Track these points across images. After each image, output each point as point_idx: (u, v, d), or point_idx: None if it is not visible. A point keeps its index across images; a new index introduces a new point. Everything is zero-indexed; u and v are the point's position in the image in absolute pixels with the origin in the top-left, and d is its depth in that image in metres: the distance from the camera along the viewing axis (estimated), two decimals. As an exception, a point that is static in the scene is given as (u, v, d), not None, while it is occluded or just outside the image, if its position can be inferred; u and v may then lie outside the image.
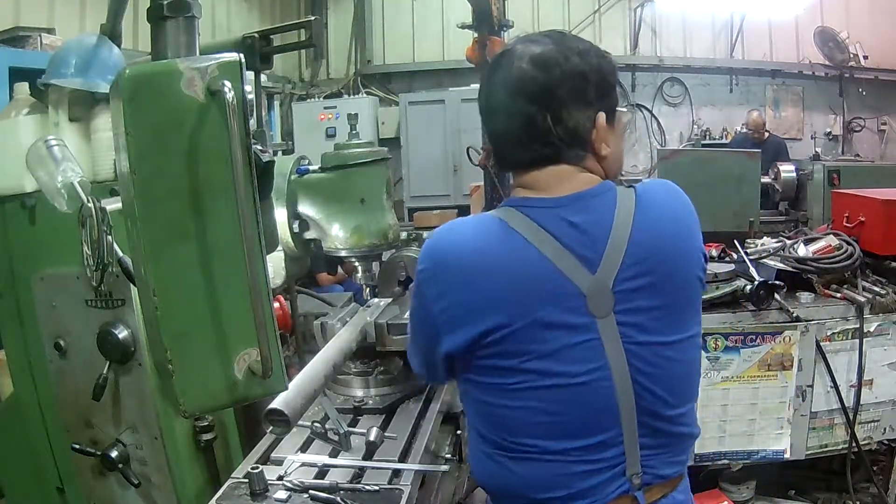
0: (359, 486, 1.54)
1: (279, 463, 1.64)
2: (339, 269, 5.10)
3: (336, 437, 1.71)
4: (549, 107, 1.21)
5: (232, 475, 1.60)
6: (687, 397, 1.31)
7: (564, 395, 1.20)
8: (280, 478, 1.56)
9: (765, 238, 3.57)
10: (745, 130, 7.21)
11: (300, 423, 1.57)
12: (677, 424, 1.29)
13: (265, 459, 1.69)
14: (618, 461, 1.24)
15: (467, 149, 4.16)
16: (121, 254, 1.50)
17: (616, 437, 1.23)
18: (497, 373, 1.21)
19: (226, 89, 1.08)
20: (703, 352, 2.82)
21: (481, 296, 1.19)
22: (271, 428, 1.42)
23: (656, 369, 1.23)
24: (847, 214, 3.24)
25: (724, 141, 8.32)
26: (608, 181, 1.27)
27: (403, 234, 2.33)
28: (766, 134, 6.82)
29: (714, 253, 3.29)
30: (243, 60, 1.13)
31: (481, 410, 1.27)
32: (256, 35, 1.71)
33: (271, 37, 1.75)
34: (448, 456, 1.89)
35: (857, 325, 2.89)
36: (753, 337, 2.84)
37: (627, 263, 1.19)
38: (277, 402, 1.38)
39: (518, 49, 1.25)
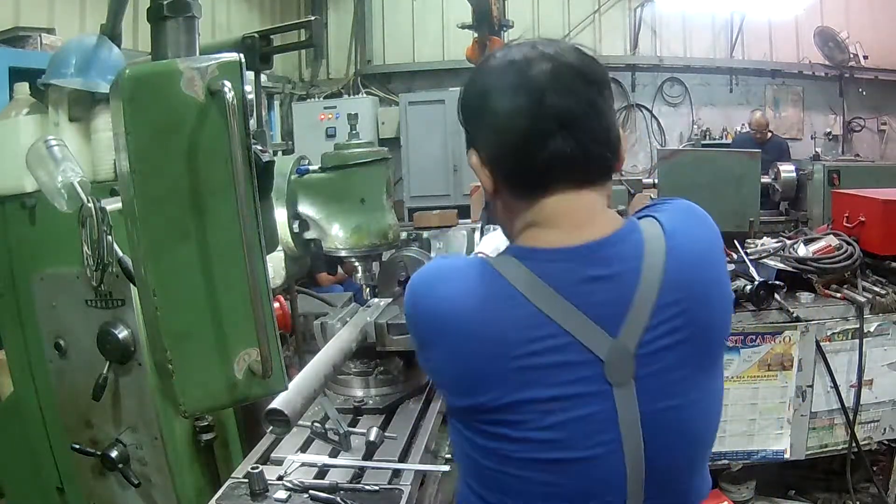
0: (359, 486, 1.54)
1: (279, 463, 1.64)
2: (339, 269, 5.10)
3: (336, 437, 1.71)
4: (608, 104, 1.06)
5: (232, 475, 1.60)
6: (702, 457, 1.16)
7: (569, 468, 1.06)
8: (280, 478, 1.56)
9: (765, 238, 3.57)
10: (747, 130, 7.20)
11: (300, 423, 1.57)
12: (688, 492, 1.15)
13: (265, 459, 1.69)
14: None
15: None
16: (121, 254, 1.50)
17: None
18: (498, 439, 1.06)
19: (226, 89, 1.08)
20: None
21: (470, 361, 1.04)
22: (271, 428, 1.42)
23: (674, 435, 1.08)
24: (847, 214, 3.24)
25: (724, 141, 8.32)
26: (633, 220, 1.09)
27: (403, 234, 2.33)
28: (769, 134, 6.82)
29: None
30: (243, 60, 1.13)
31: (477, 471, 1.13)
32: (256, 35, 1.71)
33: (271, 37, 1.75)
34: (448, 456, 1.89)
35: (857, 325, 2.89)
36: (753, 337, 2.84)
37: (657, 321, 1.02)
38: (277, 402, 1.38)
39: (534, 46, 1.07)
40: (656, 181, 4.12)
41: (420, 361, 1.15)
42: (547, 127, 1.02)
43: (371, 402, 1.95)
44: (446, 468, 1.68)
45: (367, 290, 2.16)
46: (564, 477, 1.06)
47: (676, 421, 1.06)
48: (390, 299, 2.11)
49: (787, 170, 5.23)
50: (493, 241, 1.92)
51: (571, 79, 1.04)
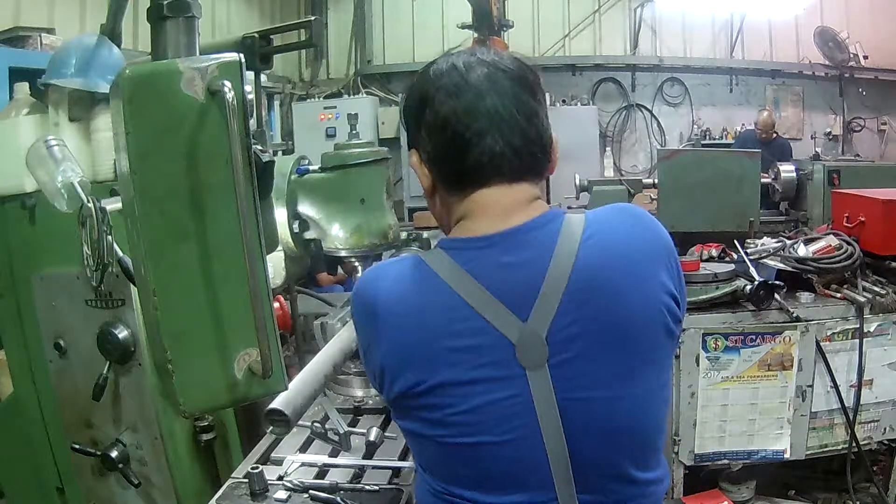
0: (359, 485, 1.54)
1: (279, 463, 1.65)
2: (339, 269, 5.11)
3: (336, 437, 1.71)
4: (539, 104, 1.12)
5: (232, 475, 1.60)
6: (643, 452, 1.14)
7: (489, 452, 1.08)
8: (280, 478, 1.56)
9: (765, 238, 3.57)
10: (751, 128, 7.20)
11: (300, 423, 1.57)
12: (630, 486, 1.13)
13: (265, 459, 1.69)
14: None
15: (467, 149, 4.15)
16: (121, 254, 1.50)
17: (550, 498, 1.08)
18: (425, 424, 1.10)
19: (226, 89, 1.08)
20: (703, 352, 2.82)
21: (401, 349, 1.09)
22: (271, 428, 1.42)
23: (596, 427, 1.08)
24: (847, 214, 3.24)
25: (724, 141, 8.32)
26: (557, 209, 1.14)
27: (403, 234, 2.33)
28: (774, 135, 6.82)
29: (714, 253, 3.29)
30: (243, 60, 1.13)
31: (421, 460, 1.18)
32: (256, 35, 1.71)
33: (271, 37, 1.75)
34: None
35: (857, 325, 2.89)
36: (753, 337, 2.84)
37: (565, 308, 1.04)
38: (277, 402, 1.38)
39: (473, 54, 1.14)
40: (656, 181, 4.12)
41: (365, 365, 1.18)
42: (480, 127, 1.08)
43: (371, 402, 1.95)
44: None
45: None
46: (486, 462, 1.08)
47: (599, 413, 1.07)
48: None
49: (787, 170, 5.22)
50: None
51: (506, 83, 1.10)
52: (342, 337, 1.81)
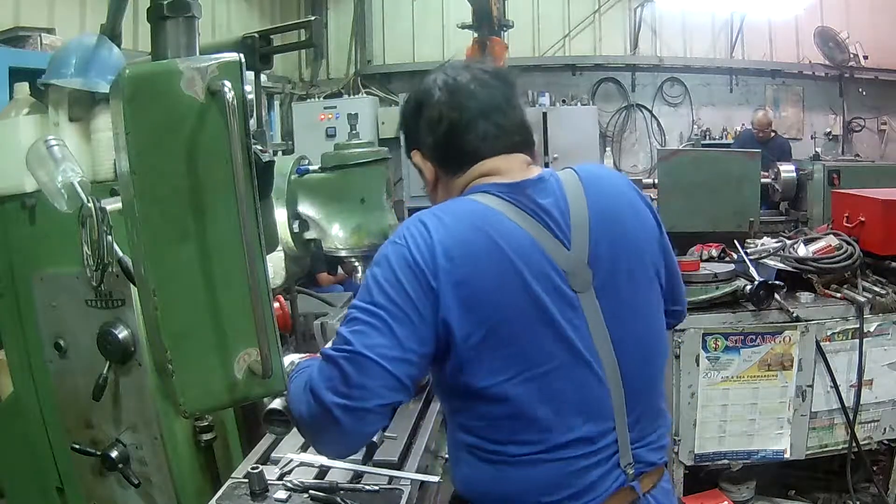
0: (358, 486, 1.54)
1: (279, 463, 1.64)
2: (339, 269, 5.11)
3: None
4: (519, 98, 1.34)
5: (232, 475, 1.60)
6: (659, 373, 1.35)
7: (559, 379, 1.20)
8: (280, 478, 1.56)
9: (765, 238, 3.57)
10: (749, 128, 7.20)
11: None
12: (655, 404, 1.32)
13: (265, 459, 1.69)
14: (612, 451, 1.25)
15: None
16: (121, 254, 1.50)
17: (609, 425, 1.24)
18: (498, 365, 1.18)
19: (226, 89, 1.08)
20: (703, 351, 2.82)
21: (481, 282, 1.16)
22: (271, 428, 1.42)
23: (635, 345, 1.26)
24: (847, 214, 3.24)
25: (724, 141, 8.31)
26: (546, 169, 1.34)
27: (403, 234, 2.32)
28: (772, 134, 6.82)
29: (714, 253, 3.29)
30: (243, 60, 1.14)
31: (478, 414, 1.23)
32: (256, 35, 1.71)
33: (271, 37, 1.75)
34: (448, 456, 1.89)
35: (857, 325, 2.89)
36: (753, 337, 2.85)
37: (594, 238, 1.24)
38: (277, 403, 1.38)
39: (459, 65, 1.36)
40: (656, 181, 4.12)
41: (409, 328, 1.15)
42: (471, 116, 1.28)
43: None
44: (439, 480, 1.67)
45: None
46: (559, 391, 1.20)
47: (636, 331, 1.27)
48: None
49: (787, 170, 5.22)
50: None
51: (489, 79, 1.31)
52: None
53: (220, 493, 1.54)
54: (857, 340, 2.90)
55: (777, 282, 2.91)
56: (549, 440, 1.21)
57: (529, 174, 1.29)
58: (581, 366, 1.21)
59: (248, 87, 1.27)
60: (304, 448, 1.72)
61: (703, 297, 2.84)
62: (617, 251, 1.26)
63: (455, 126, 1.29)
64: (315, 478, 1.58)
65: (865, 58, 8.08)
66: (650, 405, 1.31)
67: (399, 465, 1.63)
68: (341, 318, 1.99)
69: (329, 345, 1.21)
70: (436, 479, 1.66)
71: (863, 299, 2.89)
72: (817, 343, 2.87)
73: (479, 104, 1.29)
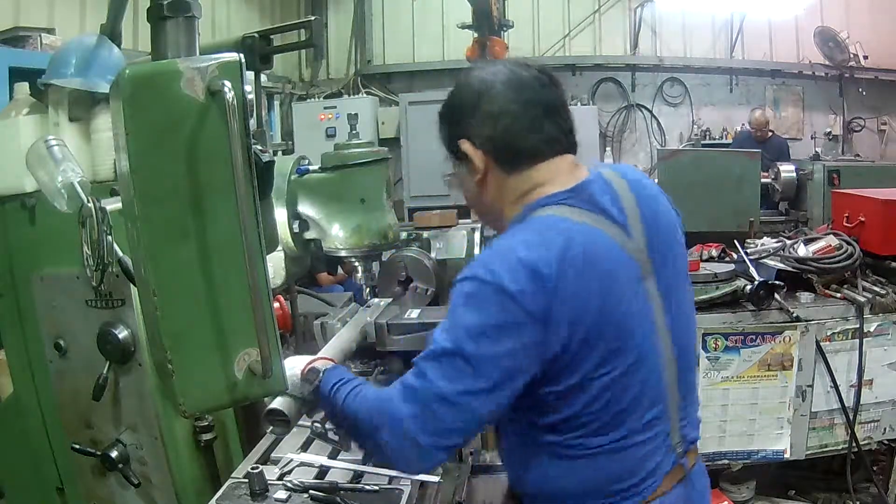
0: (359, 486, 1.54)
1: (279, 463, 1.64)
2: (339, 269, 5.10)
3: (336, 437, 1.71)
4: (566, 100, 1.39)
5: (232, 475, 1.60)
6: (694, 355, 1.42)
7: (639, 369, 1.26)
8: (280, 478, 1.56)
9: (765, 238, 3.57)
10: (749, 129, 7.20)
11: (300, 423, 1.57)
12: (693, 381, 1.40)
13: (265, 459, 1.69)
14: (666, 432, 1.32)
15: (467, 149, 4.15)
16: (121, 254, 1.50)
17: (664, 408, 1.31)
18: (594, 361, 1.22)
19: (226, 89, 1.08)
20: (703, 352, 2.82)
21: (589, 291, 1.20)
22: (271, 428, 1.41)
23: (682, 329, 1.34)
24: (847, 214, 3.24)
25: (724, 141, 8.31)
26: (592, 169, 1.39)
27: (403, 234, 2.33)
28: (770, 133, 6.82)
29: (714, 253, 3.29)
30: (243, 60, 1.14)
31: (565, 412, 1.26)
32: (256, 35, 1.71)
33: (271, 37, 1.75)
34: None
35: (857, 325, 2.89)
36: (753, 337, 2.84)
37: (647, 231, 1.31)
38: (277, 402, 1.38)
39: (513, 62, 1.37)
40: (656, 181, 4.11)
41: (524, 339, 1.17)
42: (535, 115, 1.30)
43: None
44: (438, 480, 1.67)
45: (367, 290, 2.16)
46: (636, 380, 1.26)
47: (681, 315, 1.34)
48: (390, 299, 2.11)
49: (787, 170, 5.23)
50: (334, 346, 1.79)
51: (548, 81, 1.34)
52: (342, 337, 1.81)
53: (220, 493, 1.54)
54: (857, 340, 2.90)
55: (777, 282, 2.91)
56: (626, 428, 1.27)
57: (581, 175, 1.33)
58: (653, 354, 1.29)
59: (248, 87, 1.27)
60: (304, 448, 1.72)
61: (703, 297, 2.84)
62: (664, 243, 1.34)
63: (518, 122, 1.30)
64: (315, 478, 1.58)
65: (865, 58, 8.08)
66: (690, 383, 1.39)
67: (397, 475, 1.63)
68: (341, 318, 2.00)
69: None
70: (436, 479, 1.66)
71: (863, 299, 2.89)
72: (817, 343, 2.86)
73: (543, 104, 1.31)
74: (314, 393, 1.38)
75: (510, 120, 1.29)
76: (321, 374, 1.38)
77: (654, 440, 1.30)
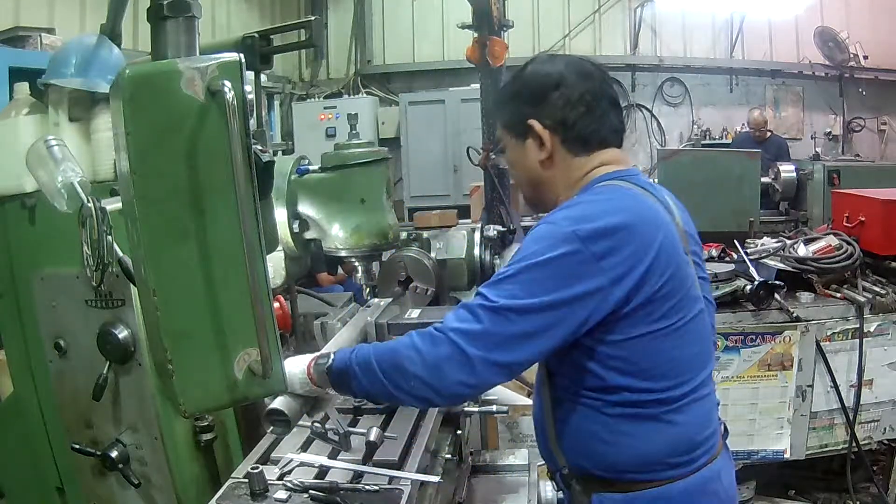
0: (359, 486, 1.54)
1: (279, 463, 1.64)
2: (339, 269, 5.11)
3: (336, 437, 1.71)
4: None
5: (232, 475, 1.60)
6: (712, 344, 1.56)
7: (699, 321, 1.39)
8: (280, 478, 1.56)
9: (765, 238, 3.58)
10: (746, 129, 7.21)
11: (300, 423, 1.57)
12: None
13: (265, 459, 1.68)
14: (713, 389, 1.47)
15: (467, 149, 4.16)
16: (121, 254, 1.50)
17: (708, 376, 1.44)
18: (668, 314, 1.32)
19: (226, 89, 1.08)
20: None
21: (657, 247, 1.30)
22: (272, 428, 1.41)
23: (709, 300, 1.47)
24: (847, 214, 3.24)
25: (724, 141, 8.31)
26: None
27: (403, 234, 2.33)
28: (768, 133, 6.82)
29: (714, 253, 3.30)
30: (243, 60, 1.13)
31: (644, 367, 1.33)
32: (256, 35, 1.71)
33: (271, 37, 1.75)
34: (448, 456, 1.89)
35: (857, 325, 2.89)
36: (753, 337, 2.85)
37: (682, 220, 1.46)
38: (278, 402, 1.38)
39: (578, 57, 1.52)
40: (656, 181, 4.11)
41: (601, 272, 1.26)
42: (606, 107, 1.43)
43: (371, 402, 1.95)
44: (438, 480, 1.67)
45: (367, 290, 2.16)
46: (700, 334, 1.39)
47: (705, 287, 1.47)
48: (390, 299, 2.11)
49: (787, 170, 5.23)
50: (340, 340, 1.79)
51: (608, 79, 1.47)
52: (342, 336, 1.81)
53: (220, 493, 1.54)
54: (857, 340, 2.90)
55: (777, 282, 2.91)
56: (697, 378, 1.38)
57: (629, 164, 1.49)
58: (706, 313, 1.42)
59: (248, 87, 1.27)
60: (304, 448, 1.72)
61: (703, 297, 2.84)
62: (696, 244, 1.50)
63: (592, 111, 1.41)
64: (315, 478, 1.58)
65: (865, 58, 8.09)
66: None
67: (399, 465, 1.62)
68: (341, 318, 2.00)
69: None
70: (436, 479, 1.66)
71: (863, 299, 2.89)
72: (817, 343, 2.87)
73: (609, 97, 1.44)
74: (329, 372, 1.39)
75: (584, 108, 1.40)
76: (332, 354, 1.41)
77: (711, 395, 1.44)
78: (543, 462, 1.61)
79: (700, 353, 1.41)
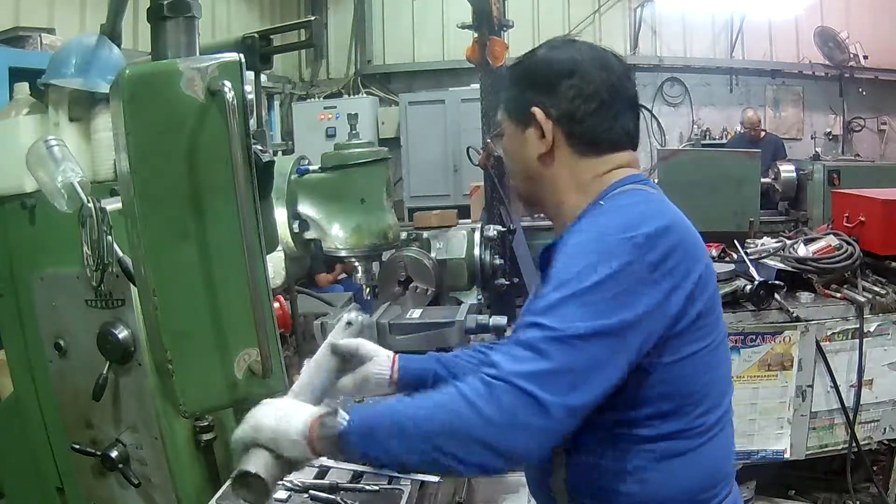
0: (358, 486, 1.54)
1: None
2: (335, 268, 5.12)
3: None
4: None
5: (232, 475, 1.60)
6: None
7: (726, 340, 1.27)
8: (280, 478, 1.55)
9: (765, 238, 3.57)
10: (741, 130, 7.21)
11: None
12: None
13: (265, 459, 1.68)
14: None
15: (467, 149, 4.16)
16: (121, 254, 1.50)
17: (729, 398, 1.30)
18: (710, 330, 1.18)
19: (226, 89, 1.08)
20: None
21: (704, 256, 1.21)
22: (241, 492, 1.07)
23: None
24: (847, 214, 3.24)
25: (724, 141, 8.32)
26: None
27: (403, 234, 2.33)
28: (763, 133, 6.82)
29: (714, 253, 3.29)
30: (243, 60, 1.14)
31: (685, 391, 1.18)
32: (256, 35, 1.71)
33: (271, 37, 1.75)
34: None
35: (857, 325, 2.89)
36: (753, 337, 2.84)
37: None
38: (254, 463, 1.06)
39: (609, 51, 1.33)
40: (656, 181, 4.12)
41: (656, 288, 1.10)
42: (622, 106, 1.27)
43: (371, 401, 1.95)
44: (437, 479, 1.67)
45: (367, 290, 2.16)
46: (727, 357, 1.27)
47: None
48: (353, 316, 2.08)
49: (787, 170, 5.23)
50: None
51: (631, 73, 1.31)
52: (304, 380, 1.38)
53: (220, 493, 1.54)
54: (857, 340, 2.90)
55: (777, 282, 2.91)
56: (725, 402, 1.26)
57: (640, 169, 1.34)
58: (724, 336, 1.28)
59: (248, 87, 1.27)
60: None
61: (703, 297, 2.84)
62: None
63: (606, 108, 1.25)
64: (315, 478, 1.58)
65: (865, 58, 8.08)
66: None
67: (397, 475, 1.63)
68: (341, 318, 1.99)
69: None
70: (436, 479, 1.66)
71: (863, 299, 2.89)
72: (817, 343, 2.86)
73: (628, 97, 1.28)
74: (342, 437, 1.06)
75: (598, 104, 1.24)
76: (341, 412, 1.09)
77: (732, 418, 1.30)
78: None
79: (728, 373, 1.28)
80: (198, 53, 1.23)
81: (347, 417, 1.07)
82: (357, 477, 1.60)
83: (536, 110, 1.25)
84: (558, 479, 1.24)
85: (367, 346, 1.43)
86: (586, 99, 1.24)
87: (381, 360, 1.41)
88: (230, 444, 1.12)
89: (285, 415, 1.09)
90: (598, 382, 1.06)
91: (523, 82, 1.30)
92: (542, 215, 1.42)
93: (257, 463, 1.06)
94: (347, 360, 1.37)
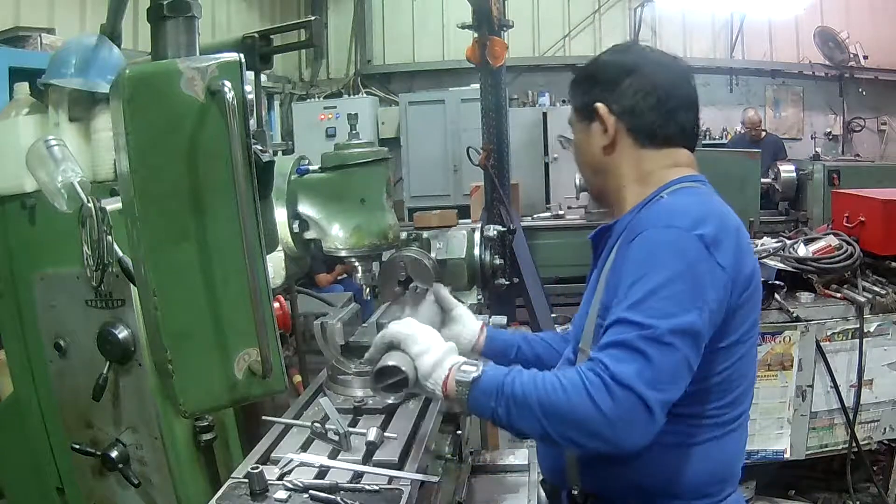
0: (359, 486, 1.54)
1: (279, 463, 1.64)
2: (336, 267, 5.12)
3: (336, 437, 1.71)
4: None
5: (232, 475, 1.60)
6: None
7: (755, 348, 1.36)
8: (280, 478, 1.56)
9: (765, 238, 3.57)
10: (742, 130, 7.22)
11: (300, 422, 1.57)
12: None
13: (265, 459, 1.68)
14: None
15: (467, 149, 4.17)
16: (121, 254, 1.50)
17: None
18: (753, 325, 1.30)
19: (226, 89, 1.08)
20: (703, 352, 2.82)
21: (750, 254, 1.29)
22: (381, 393, 1.36)
23: None
24: (847, 214, 3.24)
25: (724, 141, 8.32)
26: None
27: (403, 234, 2.32)
28: (763, 133, 6.83)
29: (714, 253, 3.29)
30: (243, 60, 1.13)
31: (724, 376, 1.27)
32: (256, 35, 1.71)
33: (271, 37, 1.75)
34: (448, 456, 1.89)
35: (857, 325, 2.89)
36: (753, 337, 2.84)
37: None
38: (394, 359, 1.31)
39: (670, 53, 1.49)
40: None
41: (720, 275, 1.20)
42: (677, 105, 1.37)
43: (371, 402, 1.95)
44: (437, 479, 1.67)
45: (367, 290, 2.16)
46: (752, 366, 1.36)
47: None
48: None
49: (787, 170, 5.23)
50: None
51: (690, 77, 1.44)
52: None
53: (220, 493, 1.54)
54: (857, 340, 2.90)
55: (777, 282, 2.91)
56: (748, 401, 1.35)
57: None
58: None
59: (248, 87, 1.27)
60: (304, 448, 1.72)
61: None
62: None
63: (662, 104, 1.35)
64: (315, 478, 1.58)
65: (865, 58, 8.09)
66: None
67: (399, 465, 1.62)
68: (341, 318, 2.00)
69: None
70: (436, 479, 1.66)
71: (863, 299, 2.89)
72: (817, 343, 2.86)
73: (685, 97, 1.39)
74: (473, 384, 1.26)
75: (655, 101, 1.35)
76: (481, 367, 1.27)
77: (746, 425, 1.39)
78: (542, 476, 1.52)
79: (753, 377, 1.36)
80: (198, 53, 1.23)
81: (482, 371, 1.25)
82: (357, 477, 1.60)
83: (599, 106, 1.37)
84: (572, 460, 1.37)
85: (461, 308, 1.71)
86: (645, 95, 1.35)
87: (472, 326, 1.68)
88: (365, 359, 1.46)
89: (427, 349, 1.31)
90: (687, 376, 1.17)
91: (588, 82, 1.42)
92: (605, 209, 1.51)
93: (395, 357, 1.30)
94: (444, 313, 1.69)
